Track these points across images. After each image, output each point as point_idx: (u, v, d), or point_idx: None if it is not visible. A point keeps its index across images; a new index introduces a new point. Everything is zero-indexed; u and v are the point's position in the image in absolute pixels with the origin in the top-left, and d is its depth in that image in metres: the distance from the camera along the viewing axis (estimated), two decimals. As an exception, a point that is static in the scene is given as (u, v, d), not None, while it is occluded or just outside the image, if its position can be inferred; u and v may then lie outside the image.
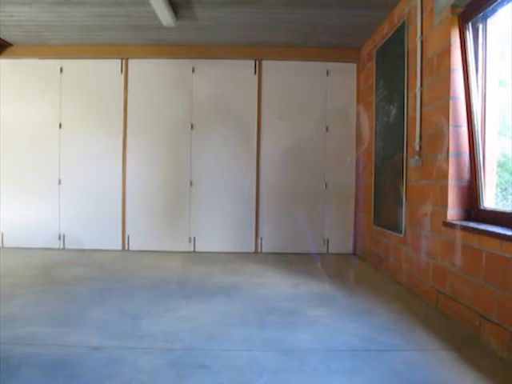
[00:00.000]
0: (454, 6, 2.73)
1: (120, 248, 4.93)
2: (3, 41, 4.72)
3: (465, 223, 2.58)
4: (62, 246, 4.92)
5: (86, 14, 3.95)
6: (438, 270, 2.85)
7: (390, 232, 3.82)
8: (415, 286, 3.23)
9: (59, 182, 4.92)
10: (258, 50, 4.91)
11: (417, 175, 3.27)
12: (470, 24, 2.68)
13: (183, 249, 4.95)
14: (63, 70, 4.92)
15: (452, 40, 2.76)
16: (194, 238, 4.95)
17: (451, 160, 2.75)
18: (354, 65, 4.97)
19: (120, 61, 4.91)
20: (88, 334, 2.30)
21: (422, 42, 3.20)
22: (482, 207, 2.64)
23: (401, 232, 3.53)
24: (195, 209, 4.94)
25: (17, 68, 4.90)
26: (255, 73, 4.93)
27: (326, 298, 3.12)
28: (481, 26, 2.66)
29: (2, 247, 4.91)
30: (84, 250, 4.76)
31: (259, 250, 4.95)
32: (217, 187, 4.94)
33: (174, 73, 4.94)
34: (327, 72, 4.95)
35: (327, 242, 4.97)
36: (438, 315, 2.74)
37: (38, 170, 4.92)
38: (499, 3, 2.45)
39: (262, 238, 4.95)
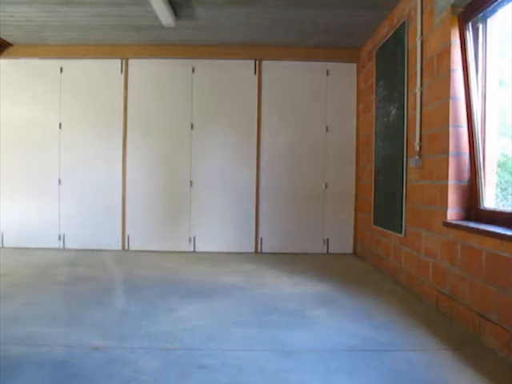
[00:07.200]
0: (454, 6, 2.73)
1: (120, 248, 4.93)
2: (3, 41, 4.72)
3: (465, 223, 2.58)
4: (61, 246, 4.93)
5: (86, 14, 3.95)
6: (438, 270, 2.85)
7: (389, 232, 3.82)
8: (415, 286, 3.23)
9: (59, 182, 4.92)
10: (258, 50, 4.91)
11: (417, 175, 3.27)
12: (469, 24, 2.68)
13: (183, 249, 4.95)
14: (63, 70, 4.93)
15: (452, 40, 2.76)
16: (194, 237, 4.95)
17: (451, 160, 2.75)
18: (354, 65, 4.97)
19: (120, 61, 4.91)
20: (88, 333, 2.30)
21: (421, 42, 3.20)
22: (481, 207, 2.64)
23: (401, 232, 3.54)
24: (195, 209, 4.94)
25: (17, 68, 4.90)
26: (255, 73, 4.93)
27: (326, 298, 3.12)
28: (481, 26, 2.66)
29: (2, 247, 4.91)
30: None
31: (259, 250, 4.95)
32: (217, 187, 4.94)
33: (173, 73, 4.94)
34: (327, 72, 4.95)
35: (327, 241, 4.97)
36: (438, 315, 2.74)
37: (38, 170, 4.92)
38: (499, 3, 2.45)
39: (261, 238, 4.95)
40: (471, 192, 2.74)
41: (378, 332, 2.40)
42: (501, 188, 2.73)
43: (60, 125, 4.92)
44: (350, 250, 4.99)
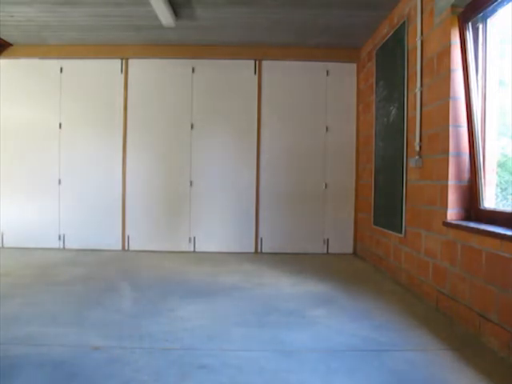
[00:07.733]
0: (454, 6, 2.74)
1: (120, 248, 4.93)
2: (3, 41, 4.72)
3: (465, 223, 2.58)
4: (61, 246, 4.93)
5: (86, 14, 3.95)
6: (438, 270, 2.85)
7: (389, 232, 3.82)
8: (415, 286, 3.23)
9: (59, 182, 4.92)
10: (258, 50, 4.91)
11: (417, 175, 3.27)
12: (469, 24, 2.68)
13: (183, 249, 4.95)
14: (63, 70, 4.93)
15: (452, 40, 2.76)
16: (194, 237, 4.95)
17: (451, 160, 2.75)
18: (354, 65, 4.97)
19: (120, 61, 4.91)
20: (88, 333, 2.30)
21: (421, 41, 3.20)
22: (481, 207, 2.64)
23: (401, 232, 3.54)
24: (195, 209, 4.94)
25: (17, 68, 4.90)
26: (255, 73, 4.93)
27: (326, 298, 3.12)
28: (481, 26, 2.66)
29: (2, 247, 4.91)
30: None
31: (259, 250, 4.95)
32: (217, 187, 4.94)
33: (173, 73, 4.94)
34: (327, 72, 4.95)
35: (327, 241, 4.97)
36: (438, 315, 2.74)
37: (38, 170, 4.92)
38: (499, 3, 2.46)
39: (261, 238, 4.95)
40: (471, 192, 2.74)
41: (378, 332, 2.40)
42: (501, 188, 2.73)
43: (60, 125, 4.92)
44: (350, 249, 5.00)
